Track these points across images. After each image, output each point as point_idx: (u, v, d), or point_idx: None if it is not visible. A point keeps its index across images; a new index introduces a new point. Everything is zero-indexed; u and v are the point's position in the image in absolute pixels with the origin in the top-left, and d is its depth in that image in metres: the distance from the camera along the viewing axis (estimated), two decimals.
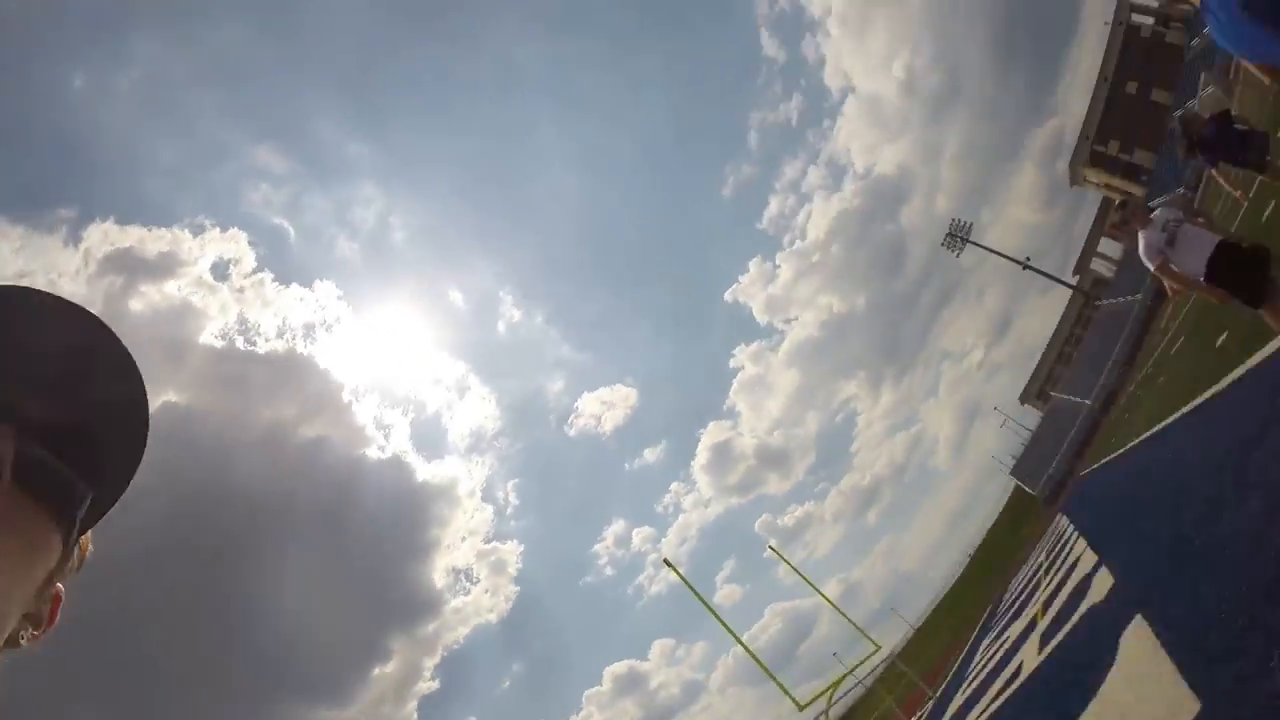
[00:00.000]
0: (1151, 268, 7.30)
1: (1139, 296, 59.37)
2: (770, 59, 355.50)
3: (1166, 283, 7.36)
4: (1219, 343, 12.91)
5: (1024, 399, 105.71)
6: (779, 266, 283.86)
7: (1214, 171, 10.76)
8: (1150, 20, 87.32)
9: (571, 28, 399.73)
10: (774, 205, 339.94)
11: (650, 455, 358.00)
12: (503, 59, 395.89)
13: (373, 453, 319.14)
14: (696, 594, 38.75)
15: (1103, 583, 11.13)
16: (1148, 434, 18.52)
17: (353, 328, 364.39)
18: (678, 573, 39.82)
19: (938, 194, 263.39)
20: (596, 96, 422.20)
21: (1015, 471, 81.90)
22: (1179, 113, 10.52)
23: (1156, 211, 7.55)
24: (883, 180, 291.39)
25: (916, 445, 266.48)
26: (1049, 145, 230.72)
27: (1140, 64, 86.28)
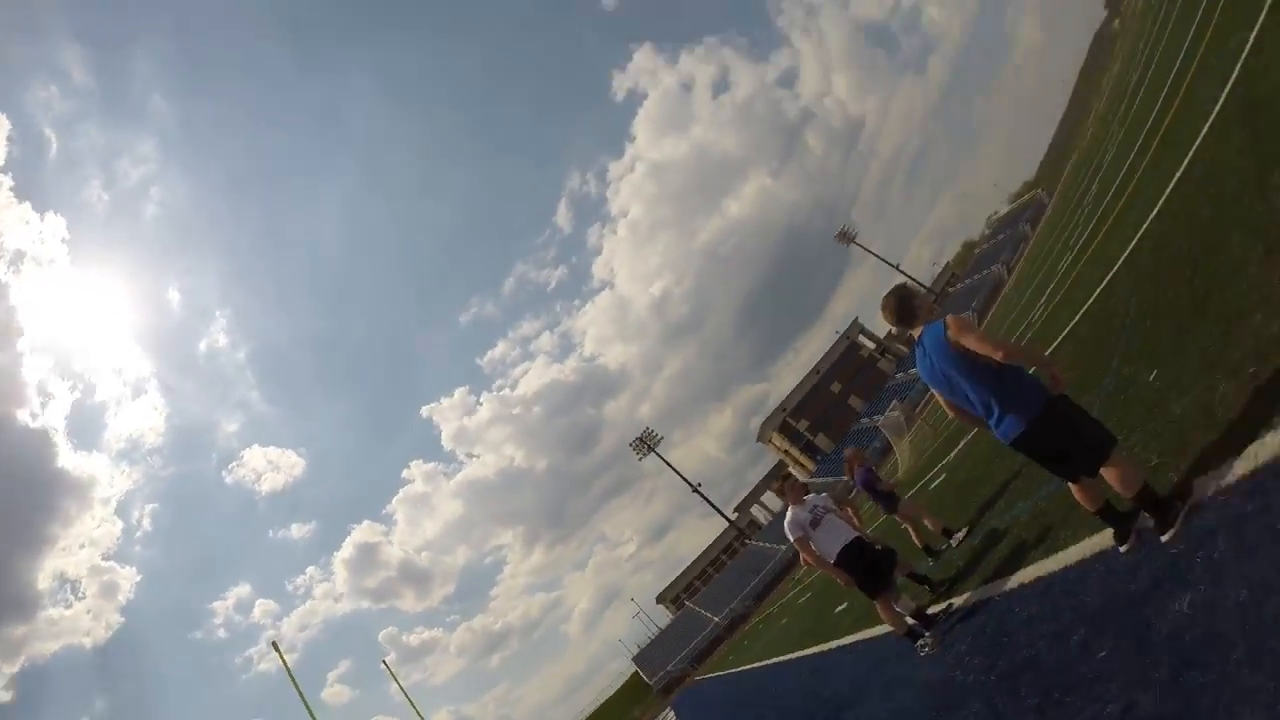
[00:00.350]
0: (791, 539, 7.42)
1: (784, 548, 63.11)
2: (558, 226, 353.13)
3: (801, 554, 7.71)
4: (838, 610, 13.61)
5: (660, 599, 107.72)
6: (481, 404, 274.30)
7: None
8: (872, 345, 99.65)
9: (406, 103, 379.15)
10: (500, 350, 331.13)
11: (297, 532, 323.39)
12: (330, 100, 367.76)
13: (23, 416, 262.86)
14: (297, 688, 36.27)
15: None
16: (762, 663, 19.65)
17: (62, 277, 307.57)
18: (283, 660, 37.29)
19: (644, 401, 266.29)
20: (392, 173, 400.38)
21: (638, 659, 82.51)
22: (848, 449, 11.67)
23: (810, 495, 7.74)
24: (602, 370, 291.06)
25: (554, 609, 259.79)
26: (752, 403, 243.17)
27: (850, 373, 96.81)
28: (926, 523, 9.72)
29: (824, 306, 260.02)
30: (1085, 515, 4.43)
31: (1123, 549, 4.18)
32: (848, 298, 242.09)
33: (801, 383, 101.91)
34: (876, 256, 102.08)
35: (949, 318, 4.33)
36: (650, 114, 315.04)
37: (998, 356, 4.07)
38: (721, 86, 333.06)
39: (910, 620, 6.92)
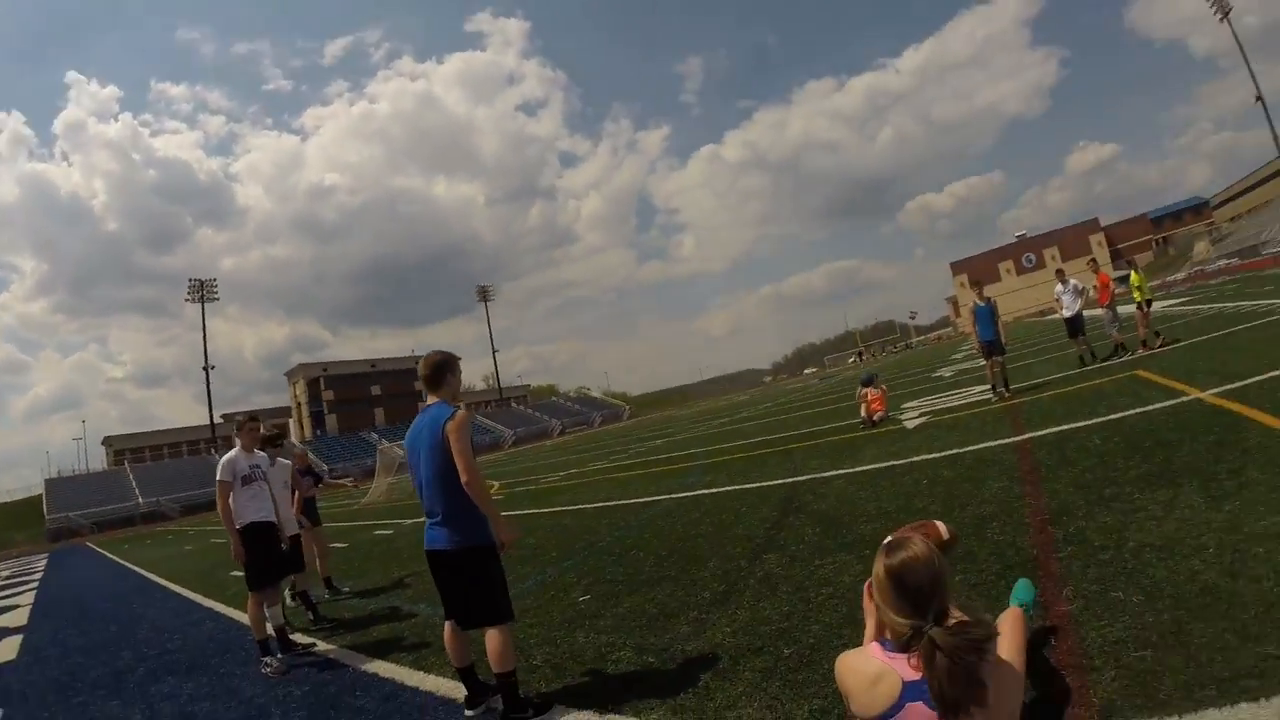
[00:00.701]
0: (217, 478, 6.22)
1: None
2: (322, 55, 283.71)
3: (218, 499, 6.22)
4: (234, 573, 12.20)
5: (107, 443, 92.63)
6: (117, 120, 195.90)
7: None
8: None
9: None
10: (177, 92, 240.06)
11: None
12: None
13: None
14: None
15: (12, 645, 9.98)
16: (143, 572, 17.77)
17: None
18: None
19: (236, 255, 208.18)
20: None
21: (50, 484, 69.98)
22: (299, 447, 10.74)
23: (263, 452, 6.83)
24: (230, 196, 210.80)
25: (14, 372, 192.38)
26: (308, 340, 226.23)
27: (396, 390, 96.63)
28: (319, 561, 8.98)
29: (425, 324, 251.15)
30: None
31: (468, 712, 4.04)
32: (446, 335, 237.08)
33: (355, 362, 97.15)
34: (489, 329, 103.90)
35: (461, 411, 4.02)
36: (470, 65, 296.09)
37: (463, 478, 3.85)
38: (530, 109, 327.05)
39: (271, 632, 6.20)
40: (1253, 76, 71.27)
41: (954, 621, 2.21)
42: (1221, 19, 72.76)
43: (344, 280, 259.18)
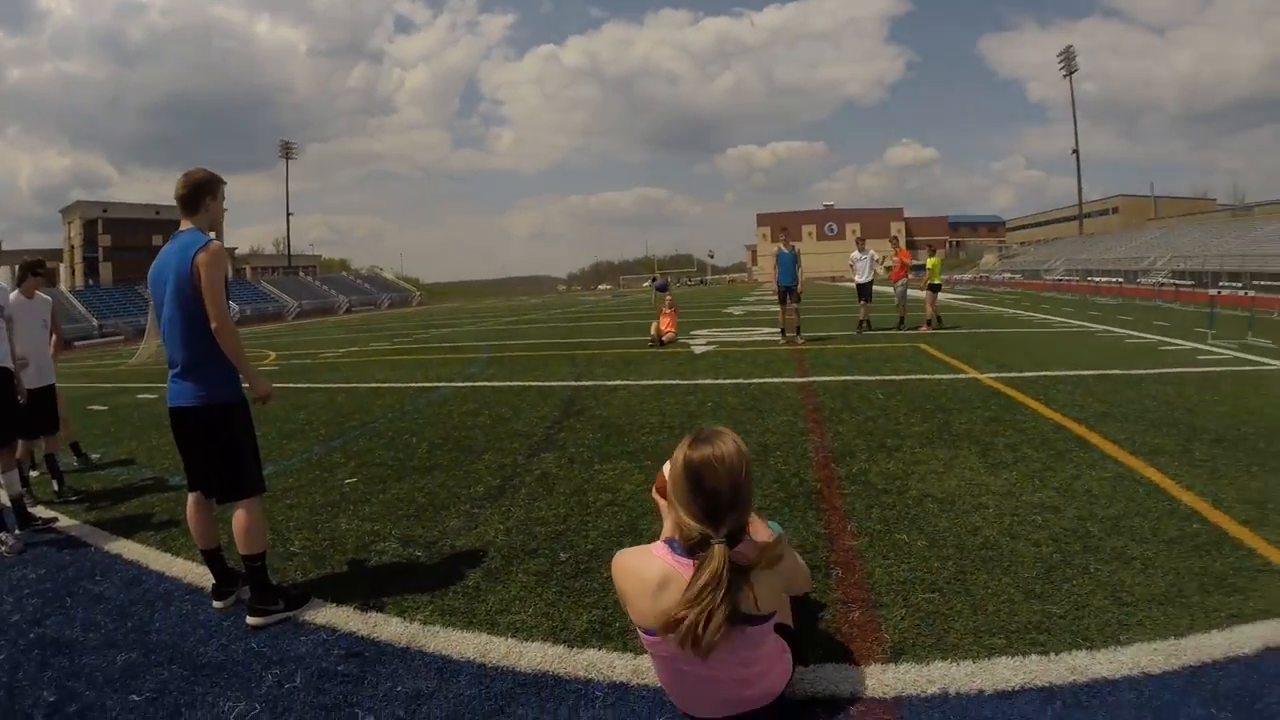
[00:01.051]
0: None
1: None
2: None
3: None
4: None
5: None
6: None
7: None
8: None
9: None
10: None
11: None
12: None
13: None
14: None
15: None
16: None
17: None
18: None
19: (25, 68, 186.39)
20: None
21: None
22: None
23: (43, 278, 5.96)
24: None
25: None
26: (92, 177, 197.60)
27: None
28: (62, 431, 7.26)
29: (221, 173, 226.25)
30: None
31: (216, 604, 3.52)
32: (240, 190, 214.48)
33: (139, 206, 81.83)
34: (287, 190, 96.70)
35: (215, 243, 3.32)
36: None
37: (213, 323, 3.21)
38: None
39: (7, 502, 5.24)
40: (1075, 133, 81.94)
41: (747, 543, 2.00)
42: (1065, 76, 78.15)
43: (140, 113, 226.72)
